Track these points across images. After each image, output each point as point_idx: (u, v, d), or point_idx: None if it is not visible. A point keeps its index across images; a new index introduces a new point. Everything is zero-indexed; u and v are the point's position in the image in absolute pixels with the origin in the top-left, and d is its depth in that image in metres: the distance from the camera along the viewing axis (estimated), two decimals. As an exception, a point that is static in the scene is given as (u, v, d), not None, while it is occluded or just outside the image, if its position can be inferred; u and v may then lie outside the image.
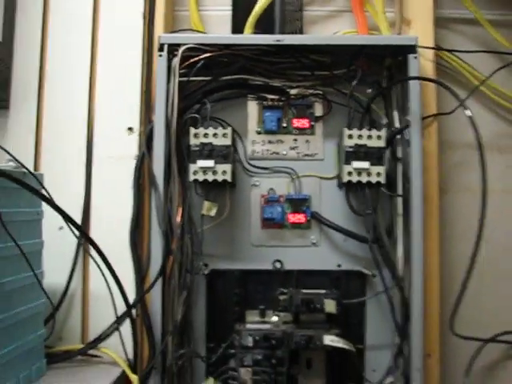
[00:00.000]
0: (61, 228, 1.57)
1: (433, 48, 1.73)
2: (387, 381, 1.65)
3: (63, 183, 1.61)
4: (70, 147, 1.67)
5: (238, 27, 1.80)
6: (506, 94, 1.83)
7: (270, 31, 1.75)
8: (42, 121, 1.69)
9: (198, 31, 1.79)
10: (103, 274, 1.46)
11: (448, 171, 1.81)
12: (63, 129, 1.68)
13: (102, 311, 1.58)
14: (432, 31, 1.75)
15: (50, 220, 1.43)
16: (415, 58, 1.61)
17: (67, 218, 1.34)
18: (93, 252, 1.51)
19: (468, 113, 1.47)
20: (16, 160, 1.28)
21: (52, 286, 1.49)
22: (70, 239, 1.59)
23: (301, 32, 1.82)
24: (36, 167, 1.66)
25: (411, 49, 1.62)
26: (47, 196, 1.30)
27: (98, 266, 1.47)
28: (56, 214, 1.37)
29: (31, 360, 1.33)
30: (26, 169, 1.30)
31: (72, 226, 1.42)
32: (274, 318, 1.66)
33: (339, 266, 1.71)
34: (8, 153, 1.28)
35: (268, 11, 1.72)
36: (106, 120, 1.68)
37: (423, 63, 1.70)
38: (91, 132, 1.68)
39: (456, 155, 1.83)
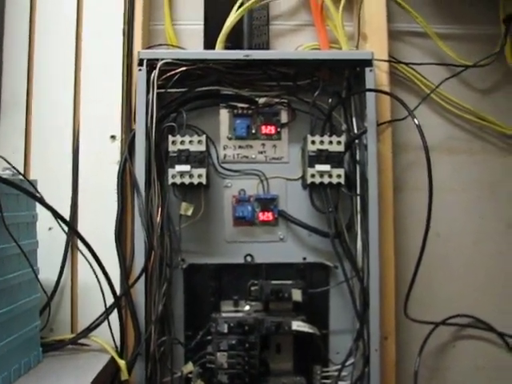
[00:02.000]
0: (50, 228, 1.69)
1: (387, 61, 1.84)
2: (349, 362, 1.77)
3: (52, 187, 1.69)
4: (58, 154, 1.76)
5: (209, 40, 1.87)
6: (454, 101, 1.96)
7: (240, 44, 1.85)
8: (31, 130, 1.77)
9: (173, 46, 1.89)
10: (92, 268, 1.54)
11: (401, 172, 1.93)
12: (50, 137, 1.77)
13: (90, 304, 1.68)
14: (386, 44, 1.86)
15: (41, 222, 1.54)
16: (371, 70, 1.73)
17: (59, 217, 1.42)
18: (81, 248, 1.61)
19: (416, 121, 1.61)
20: (14, 168, 1.39)
21: (43, 281, 1.58)
22: (59, 238, 1.71)
23: (267, 45, 1.92)
24: (26, 173, 1.73)
25: (367, 62, 1.74)
26: (43, 200, 1.40)
27: (87, 260, 1.54)
28: (45, 216, 1.48)
29: (29, 348, 1.45)
30: (24, 176, 1.42)
31: (63, 224, 1.53)
32: (247, 307, 1.76)
33: (304, 258, 1.81)
34: (8, 162, 1.39)
35: (237, 26, 1.81)
36: (90, 128, 1.76)
37: (379, 74, 1.82)
38: (77, 140, 1.76)
39: (408, 157, 1.94)
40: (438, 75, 1.94)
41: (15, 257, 1.38)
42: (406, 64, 1.93)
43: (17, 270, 1.39)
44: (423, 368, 1.92)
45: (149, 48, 1.89)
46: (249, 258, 1.82)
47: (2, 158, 1.40)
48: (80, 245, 1.65)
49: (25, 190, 1.34)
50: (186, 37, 1.96)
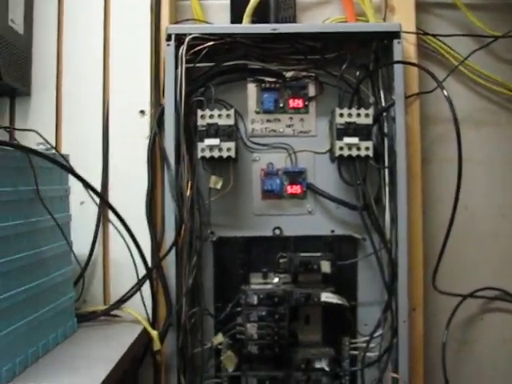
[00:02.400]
0: (82, 203, 1.74)
1: (415, 33, 1.83)
2: (377, 333, 1.79)
3: (83, 162, 1.68)
4: (88, 129, 1.78)
5: (236, 15, 1.88)
6: (483, 73, 1.95)
7: (266, 19, 1.85)
8: (61, 106, 1.80)
9: (200, 21, 1.90)
10: (124, 240, 1.58)
11: (430, 144, 1.93)
12: (80, 113, 1.79)
13: (121, 276, 1.72)
14: (414, 16, 1.84)
15: (72, 196, 1.57)
16: (399, 43, 1.73)
17: (91, 189, 1.45)
18: (113, 221, 1.67)
19: (445, 93, 1.61)
20: (48, 143, 1.42)
21: (77, 254, 1.61)
22: (91, 212, 1.75)
23: (294, 18, 1.91)
24: (57, 147, 1.75)
25: (395, 34, 1.74)
26: (75, 172, 1.42)
27: (119, 233, 1.59)
28: (77, 190, 1.53)
29: (65, 318, 1.48)
30: (56, 150, 1.45)
31: (95, 197, 1.56)
32: (276, 279, 1.79)
33: (333, 231, 1.83)
34: (42, 137, 1.41)
35: (263, 0, 1.81)
36: (119, 104, 1.78)
37: (406, 47, 1.81)
38: (107, 115, 1.78)
39: (437, 129, 1.94)
40: (466, 47, 1.93)
41: (49, 229, 1.41)
42: (434, 36, 1.92)
43: (51, 242, 1.42)
44: (451, 340, 1.93)
45: (176, 23, 1.89)
46: (277, 231, 1.84)
47: (36, 132, 1.43)
48: (112, 218, 1.69)
49: (58, 162, 1.37)
50: (213, 12, 1.96)
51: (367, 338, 1.81)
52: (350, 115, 1.72)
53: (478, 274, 1.96)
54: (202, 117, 1.70)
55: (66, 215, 1.53)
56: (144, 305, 1.67)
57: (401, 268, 1.73)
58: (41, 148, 1.43)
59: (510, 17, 1.94)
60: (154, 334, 1.63)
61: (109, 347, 1.46)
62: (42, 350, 1.33)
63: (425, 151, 1.88)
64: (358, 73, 1.80)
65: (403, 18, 1.84)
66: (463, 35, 1.94)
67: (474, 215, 1.96)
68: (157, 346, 1.62)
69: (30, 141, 1.45)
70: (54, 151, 1.45)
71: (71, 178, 1.45)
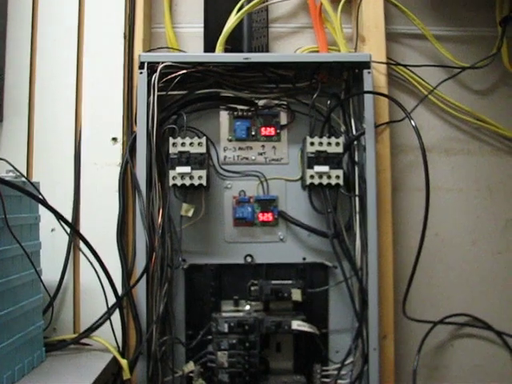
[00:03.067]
0: (53, 230, 1.72)
1: (385, 63, 1.86)
2: (348, 360, 1.79)
3: (54, 189, 1.71)
4: (60, 156, 1.78)
5: (209, 43, 1.90)
6: (452, 102, 1.97)
7: (239, 47, 1.87)
8: (33, 132, 1.79)
9: (174, 49, 1.91)
10: (94, 268, 1.56)
11: (400, 172, 1.95)
12: (52, 139, 1.79)
13: (92, 304, 1.70)
14: (384, 47, 1.87)
15: (43, 223, 1.56)
16: (369, 73, 1.76)
17: (61, 218, 1.44)
18: (83, 249, 1.63)
19: (413, 123, 1.64)
20: (18, 171, 1.42)
21: (46, 282, 1.60)
22: (61, 240, 1.73)
23: (267, 47, 1.93)
24: (28, 175, 1.76)
25: (365, 64, 1.76)
26: (45, 201, 1.42)
27: (89, 261, 1.57)
28: (48, 217, 1.50)
29: (33, 348, 1.47)
30: (26, 178, 1.44)
31: (65, 225, 1.55)
32: (247, 307, 1.79)
33: (304, 258, 1.83)
34: (10, 164, 1.41)
35: (237, 28, 1.83)
36: (92, 131, 1.78)
37: (376, 76, 1.84)
38: (78, 142, 1.78)
39: (407, 158, 1.96)
40: (435, 77, 1.96)
41: (18, 258, 1.41)
42: (404, 66, 1.95)
43: (20, 270, 1.42)
44: (422, 367, 1.93)
45: (150, 51, 1.91)
46: (249, 259, 1.84)
47: (5, 160, 1.42)
48: (82, 246, 1.65)
49: (27, 191, 1.37)
50: (187, 40, 1.98)
51: (338, 366, 1.80)
52: (320, 144, 1.74)
53: (449, 301, 1.97)
54: (174, 145, 1.71)
55: (35, 243, 1.52)
56: (114, 333, 1.66)
57: (371, 295, 1.74)
58: (10, 176, 1.42)
59: (476, 48, 1.98)
60: (124, 362, 1.62)
61: (78, 377, 1.46)
62: (6, 381, 1.31)
63: (395, 179, 1.90)
64: (329, 102, 1.82)
65: (374, 48, 1.87)
66: (432, 65, 1.97)
67: (444, 242, 1.97)
68: (126, 375, 1.61)
69: (1, 168, 1.45)
70: (23, 179, 1.44)
71: (42, 204, 1.44)
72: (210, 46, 1.89)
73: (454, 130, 2.02)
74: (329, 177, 1.73)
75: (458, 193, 2.00)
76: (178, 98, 1.81)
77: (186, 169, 1.69)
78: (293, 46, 1.97)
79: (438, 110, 2.00)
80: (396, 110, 1.84)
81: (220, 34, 1.83)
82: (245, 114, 1.86)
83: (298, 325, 1.71)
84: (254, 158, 1.86)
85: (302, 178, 1.83)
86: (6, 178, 1.34)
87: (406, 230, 1.94)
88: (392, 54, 1.96)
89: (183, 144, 1.71)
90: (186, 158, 1.70)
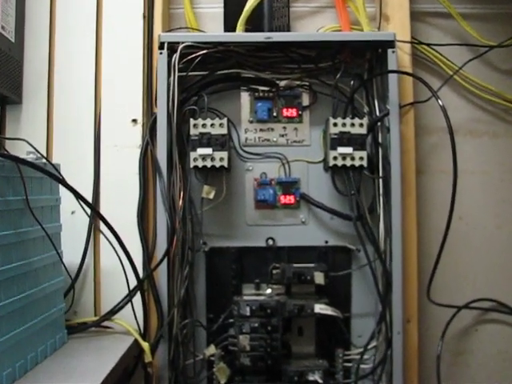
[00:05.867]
0: (73, 212, 1.71)
1: (409, 42, 1.82)
2: (371, 345, 1.77)
3: (74, 171, 1.67)
4: (79, 138, 1.77)
5: (229, 24, 1.87)
6: (478, 83, 1.93)
7: (260, 27, 1.84)
8: (53, 114, 1.78)
9: (193, 29, 1.89)
10: (115, 251, 1.55)
11: (424, 154, 1.92)
12: (72, 121, 1.78)
13: (113, 286, 1.70)
14: (408, 25, 1.83)
15: (64, 205, 1.56)
16: (393, 52, 1.72)
17: (81, 199, 1.42)
18: (104, 231, 1.65)
19: (440, 102, 1.60)
20: (38, 152, 1.40)
21: (67, 264, 1.59)
22: (82, 222, 1.72)
23: (288, 27, 1.89)
24: (48, 157, 1.74)
25: (390, 44, 1.73)
26: (66, 182, 1.40)
27: (110, 243, 1.56)
28: (68, 199, 1.50)
29: (55, 330, 1.47)
30: (47, 159, 1.43)
31: (85, 207, 1.54)
32: (268, 290, 1.77)
33: (326, 242, 1.82)
34: (32, 146, 1.39)
35: (257, 8, 1.79)
36: (111, 112, 1.77)
37: (401, 56, 1.80)
38: (98, 124, 1.77)
39: (431, 139, 1.93)
40: (460, 56, 1.92)
41: (39, 240, 1.40)
42: (429, 45, 1.91)
43: (41, 252, 1.41)
44: (445, 352, 1.91)
45: (169, 31, 1.88)
46: (270, 242, 1.82)
47: (26, 141, 1.41)
48: (103, 228, 1.67)
49: (48, 172, 1.35)
50: (206, 20, 1.96)
51: (361, 350, 1.79)
52: (344, 125, 1.71)
53: (473, 285, 1.94)
54: (195, 126, 1.69)
55: (56, 225, 1.51)
56: (135, 316, 1.65)
57: (395, 279, 1.72)
58: (31, 157, 1.41)
59: (504, 26, 1.94)
60: (145, 345, 1.61)
61: (99, 359, 1.44)
62: (30, 362, 1.31)
63: (419, 161, 1.86)
64: (352, 82, 1.79)
65: (398, 27, 1.83)
66: (458, 44, 1.93)
67: (468, 226, 1.95)
68: (148, 357, 1.61)
69: (21, 150, 1.44)
70: (44, 160, 1.43)
71: (62, 187, 1.42)
72: (229, 27, 1.86)
73: (480, 111, 1.98)
74: (352, 158, 1.70)
75: (482, 175, 1.97)
76: (198, 79, 1.79)
77: (208, 150, 1.68)
78: (314, 25, 1.94)
79: (463, 91, 1.97)
80: (419, 91, 1.82)
81: (240, 15, 1.80)
82: (266, 94, 1.84)
83: (320, 308, 1.70)
84: (275, 139, 1.84)
85: (325, 160, 1.80)
86: (27, 159, 1.32)
87: (430, 213, 1.91)
88: (416, 33, 1.91)
89: (204, 125, 1.69)
90: (207, 140, 1.68)
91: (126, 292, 1.64)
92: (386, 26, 1.87)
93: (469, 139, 1.96)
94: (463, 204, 1.90)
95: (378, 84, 1.81)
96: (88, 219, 1.72)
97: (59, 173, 1.46)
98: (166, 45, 1.72)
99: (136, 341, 1.61)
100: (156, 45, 1.76)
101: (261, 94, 1.84)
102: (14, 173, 1.27)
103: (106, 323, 1.67)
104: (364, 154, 1.71)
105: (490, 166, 1.97)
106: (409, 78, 1.80)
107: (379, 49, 1.79)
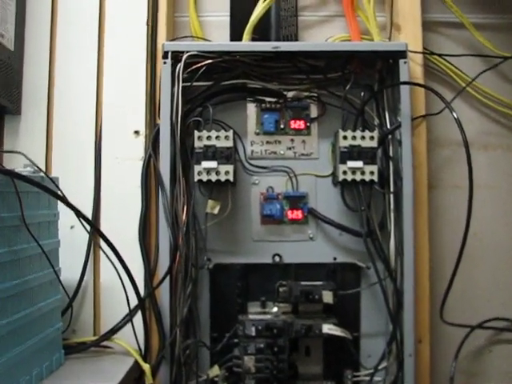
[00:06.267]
0: (72, 227, 1.66)
1: (422, 52, 1.77)
2: (381, 366, 1.71)
3: (73, 185, 1.64)
4: (79, 150, 1.73)
5: (235, 33, 1.83)
6: (491, 94, 1.88)
7: (267, 36, 1.81)
8: (52, 125, 1.74)
9: (199, 37, 1.85)
10: (115, 268, 1.50)
11: (436, 168, 1.87)
12: (72, 133, 1.73)
13: (113, 305, 1.64)
14: (420, 35, 1.79)
15: (62, 220, 1.50)
16: (405, 62, 1.67)
17: (81, 216, 1.38)
18: (104, 247, 1.58)
19: (454, 115, 1.55)
20: (36, 165, 1.34)
21: (65, 282, 1.54)
22: (81, 237, 1.67)
23: (296, 37, 1.86)
24: (47, 170, 1.70)
25: (401, 54, 1.68)
26: (64, 198, 1.36)
27: (110, 260, 1.51)
28: (67, 214, 1.43)
29: (51, 351, 1.41)
30: (45, 173, 1.37)
31: (85, 223, 1.49)
32: (274, 309, 1.71)
33: (335, 258, 1.76)
34: (29, 159, 1.33)
35: (264, 17, 1.75)
36: (113, 124, 1.73)
37: (412, 67, 1.75)
38: (99, 135, 1.73)
39: (443, 153, 1.88)
40: (473, 68, 1.87)
41: (36, 257, 1.34)
42: (441, 55, 1.86)
43: (38, 270, 1.36)
44: (458, 373, 1.84)
45: (173, 40, 1.85)
46: (277, 258, 1.77)
47: (22, 154, 1.35)
48: (103, 244, 1.59)
49: (46, 187, 1.31)
50: (212, 29, 1.92)
51: (370, 371, 1.73)
52: (354, 138, 1.66)
53: (487, 304, 1.88)
54: (199, 138, 1.64)
55: (54, 241, 1.46)
56: (135, 336, 1.60)
57: (407, 298, 1.66)
58: (28, 171, 1.35)
59: (519, 37, 1.89)
60: (146, 367, 1.56)
61: (98, 382, 1.39)
62: (24, 387, 1.25)
63: (430, 176, 1.81)
64: (362, 93, 1.75)
65: (409, 37, 1.79)
66: (471, 55, 1.88)
67: (482, 242, 1.88)
68: (149, 380, 1.55)
69: (19, 162, 1.38)
70: (42, 174, 1.37)
71: (61, 201, 1.38)
72: (236, 36, 1.82)
73: (494, 124, 1.93)
74: (362, 173, 1.65)
75: (497, 190, 1.91)
76: (203, 90, 1.73)
77: (212, 164, 1.63)
78: (323, 35, 1.89)
79: (477, 103, 1.92)
80: (431, 102, 1.77)
81: (246, 23, 1.76)
82: (273, 106, 1.79)
83: (329, 328, 1.64)
84: (282, 152, 1.79)
85: (334, 174, 1.76)
86: (24, 173, 1.28)
87: (442, 228, 1.86)
88: (427, 43, 1.86)
89: (209, 137, 1.64)
90: (211, 153, 1.63)
91: (127, 310, 1.59)
92: (397, 36, 1.82)
93: (482, 153, 1.91)
94: (477, 219, 1.80)
95: (388, 96, 1.76)
96: (88, 235, 1.67)
97: (57, 187, 1.42)
98: (170, 54, 1.67)
99: (136, 362, 1.55)
100: (160, 54, 1.72)
101: (268, 106, 1.79)
102: (8, 187, 1.21)
103: (105, 343, 1.62)
104: (375, 168, 1.66)
105: (504, 180, 1.91)
106: (421, 90, 1.76)
107: (390, 59, 1.74)
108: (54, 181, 1.41)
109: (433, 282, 1.75)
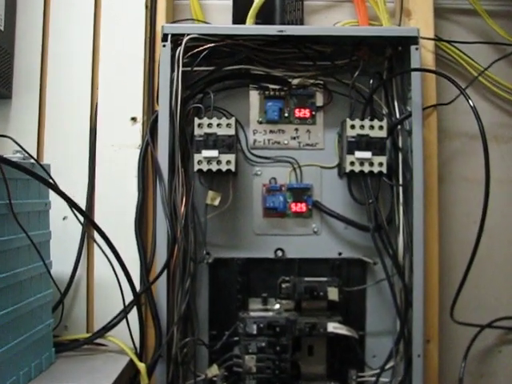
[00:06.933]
0: (65, 218, 1.62)
1: (434, 39, 1.73)
2: (388, 365, 1.66)
3: (66, 173, 1.61)
4: (73, 136, 1.68)
5: (238, 17, 1.78)
6: (504, 85, 1.84)
7: (271, 21, 1.76)
8: (45, 110, 1.69)
9: (199, 20, 1.79)
10: (110, 262, 1.46)
11: (445, 160, 1.82)
12: (66, 118, 1.69)
13: (107, 301, 1.60)
14: (432, 22, 1.74)
15: (54, 210, 1.44)
16: (417, 49, 1.62)
17: (74, 206, 1.33)
18: (98, 240, 1.54)
19: (471, 103, 1.48)
20: (25, 151, 1.28)
21: (57, 276, 1.50)
22: (74, 229, 1.62)
23: (301, 22, 1.81)
24: (39, 156, 1.66)
25: (413, 40, 1.63)
26: (56, 186, 1.29)
27: (104, 253, 1.48)
28: (60, 204, 1.38)
29: (41, 349, 1.35)
30: (35, 160, 1.30)
31: (78, 214, 1.43)
32: (276, 306, 1.68)
33: (340, 253, 1.72)
34: (18, 144, 1.28)
35: (268, 1, 1.70)
36: (109, 110, 1.68)
37: (423, 54, 1.70)
38: (94, 121, 1.68)
39: (453, 144, 1.84)
40: (486, 56, 1.84)
41: (25, 249, 1.28)
42: (454, 43, 1.81)
43: (27, 263, 1.29)
44: (466, 374, 1.79)
45: (173, 23, 1.79)
46: (279, 253, 1.73)
47: (11, 139, 1.29)
48: (97, 236, 1.54)
49: (36, 174, 1.24)
50: (214, 13, 1.87)
51: (376, 371, 1.68)
52: (362, 127, 1.61)
53: (497, 303, 1.84)
54: (200, 126, 1.59)
55: (44, 233, 1.39)
56: (131, 333, 1.54)
57: (416, 296, 1.61)
58: (17, 157, 1.29)
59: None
60: (142, 366, 1.49)
61: (91, 382, 1.32)
62: (11, 387, 1.19)
63: (439, 168, 1.75)
64: (371, 81, 1.69)
65: (420, 23, 1.73)
66: (484, 43, 1.84)
67: (492, 239, 1.82)
68: (144, 380, 1.48)
69: (9, 148, 1.33)
70: (32, 160, 1.30)
71: (53, 190, 1.33)
72: (238, 20, 1.78)
73: (506, 116, 1.89)
74: (371, 164, 1.60)
75: (508, 184, 1.86)
76: (204, 75, 1.68)
77: (213, 152, 1.57)
78: (330, 20, 1.85)
79: (488, 93, 1.87)
80: (441, 92, 1.72)
81: (250, 7, 1.70)
82: (277, 93, 1.74)
83: (334, 327, 1.59)
84: (286, 142, 1.74)
85: (340, 165, 1.71)
86: (13, 159, 1.21)
87: (451, 223, 1.83)
88: (438, 31, 1.81)
89: (210, 125, 1.59)
90: (212, 141, 1.58)
91: (122, 306, 1.52)
92: (407, 22, 1.76)
93: (494, 145, 1.86)
94: (487, 214, 1.76)
95: (397, 84, 1.71)
96: (81, 226, 1.62)
97: (49, 175, 1.35)
98: (169, 37, 1.62)
99: (131, 361, 1.49)
100: (159, 37, 1.67)
101: (271, 93, 1.74)
102: (-4, 174, 1.14)
103: (98, 340, 1.56)
104: (384, 159, 1.61)
105: (516, 173, 1.86)
106: (432, 79, 1.71)
107: (400, 46, 1.69)
108: (46, 168, 1.35)
109: (442, 279, 1.70)
